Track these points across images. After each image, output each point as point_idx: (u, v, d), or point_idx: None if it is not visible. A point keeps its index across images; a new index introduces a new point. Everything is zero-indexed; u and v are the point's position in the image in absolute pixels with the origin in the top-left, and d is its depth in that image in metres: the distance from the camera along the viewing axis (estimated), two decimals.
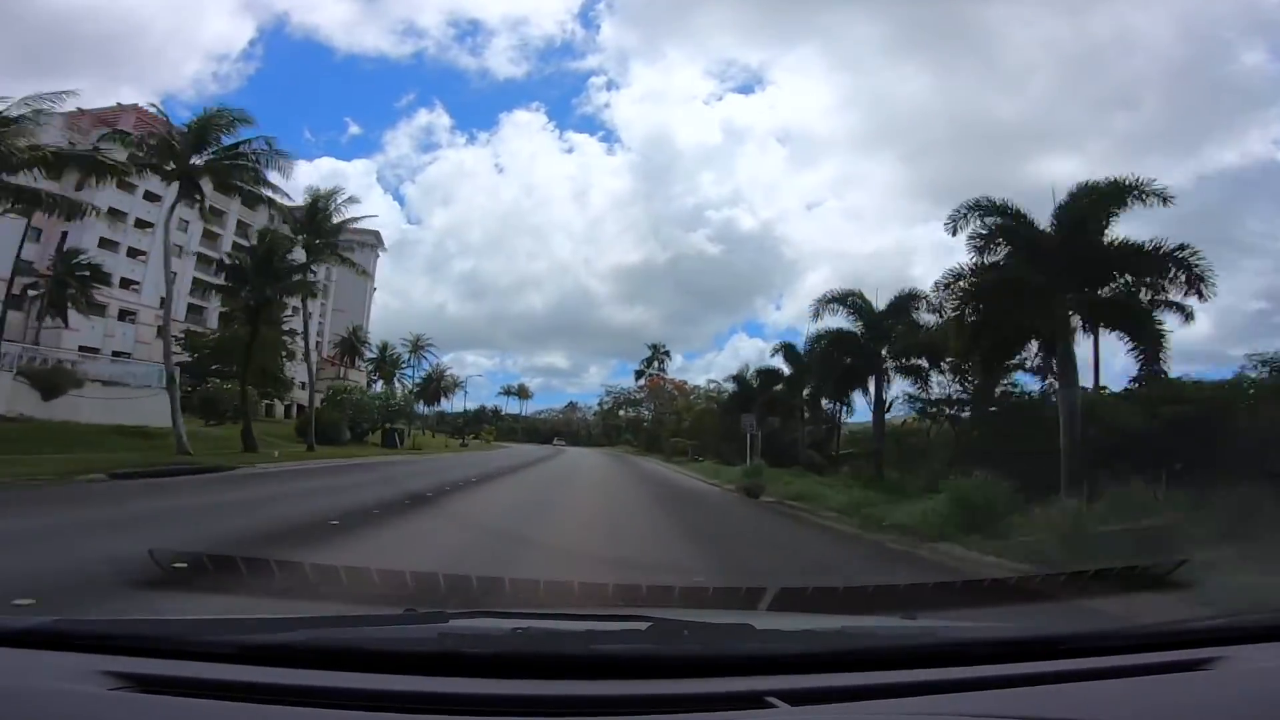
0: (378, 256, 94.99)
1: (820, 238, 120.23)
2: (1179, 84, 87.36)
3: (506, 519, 11.65)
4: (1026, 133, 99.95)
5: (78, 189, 25.76)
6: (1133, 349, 14.98)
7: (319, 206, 32.47)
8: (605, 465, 37.73)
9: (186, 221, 39.74)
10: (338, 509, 10.22)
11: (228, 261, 31.24)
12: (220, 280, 31.98)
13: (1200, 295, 13.90)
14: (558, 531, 10.22)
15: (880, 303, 23.84)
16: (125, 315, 55.12)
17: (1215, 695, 1.58)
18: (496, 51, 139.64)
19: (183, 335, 49.67)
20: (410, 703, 1.41)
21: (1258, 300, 67.03)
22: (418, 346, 70.46)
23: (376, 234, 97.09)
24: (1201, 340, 53.34)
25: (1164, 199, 13.71)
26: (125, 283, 51.57)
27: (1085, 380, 15.66)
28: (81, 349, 46.17)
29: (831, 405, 33.15)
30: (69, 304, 39.77)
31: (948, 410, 21.85)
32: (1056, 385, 14.66)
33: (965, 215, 14.72)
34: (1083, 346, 15.53)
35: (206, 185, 26.17)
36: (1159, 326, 14.72)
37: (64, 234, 45.82)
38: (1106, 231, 14.08)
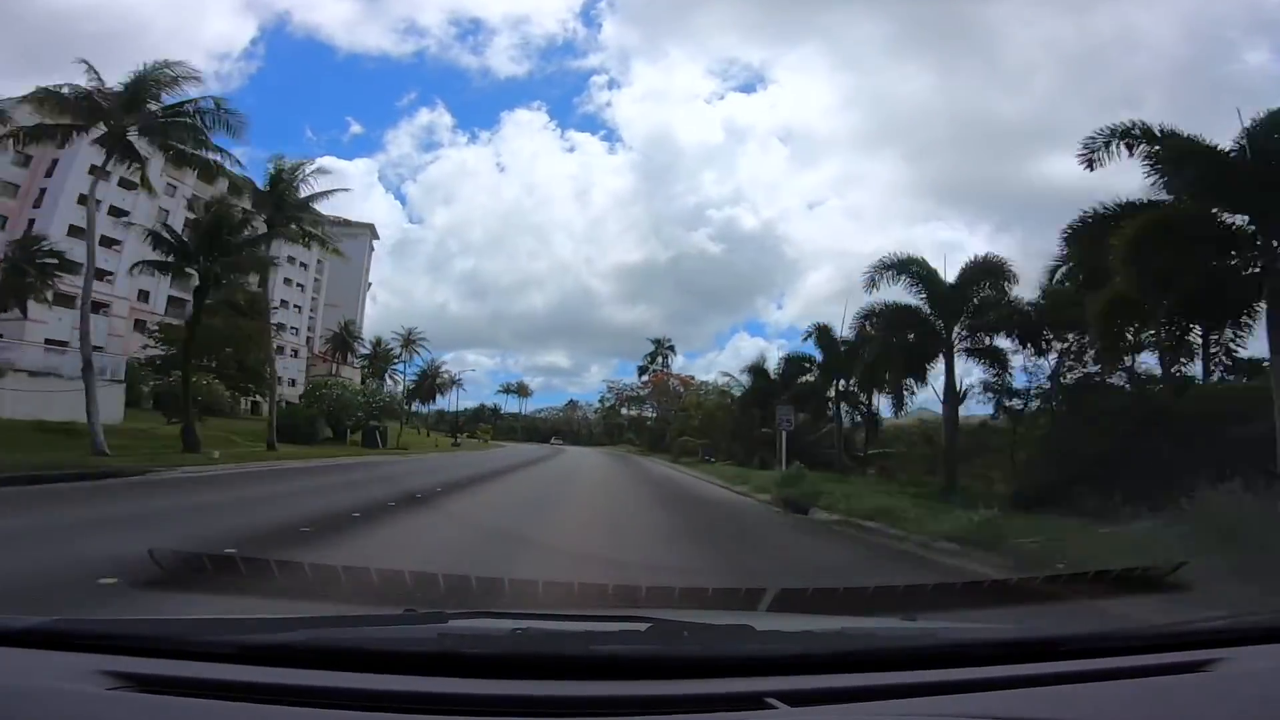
0: (372, 249, 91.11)
1: (822, 237, 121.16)
2: (1182, 83, 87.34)
3: (475, 548, 8.65)
4: (1030, 131, 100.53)
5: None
6: None
7: (282, 177, 28.11)
8: (607, 467, 33.70)
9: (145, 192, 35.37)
10: (189, 537, 7.51)
11: (166, 235, 26.75)
12: (163, 257, 27.38)
13: None
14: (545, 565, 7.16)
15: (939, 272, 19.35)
16: (98, 307, 52.12)
17: (1215, 697, 1.57)
18: (498, 50, 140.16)
19: (157, 328, 47.40)
20: (410, 703, 1.40)
21: None
22: (409, 341, 66.07)
23: (370, 226, 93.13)
24: None
25: None
26: (98, 273, 48.31)
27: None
28: (48, 342, 43.78)
29: (871, 398, 28.55)
30: (29, 294, 37.01)
31: (1037, 400, 17.39)
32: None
33: (1109, 143, 11.88)
34: None
35: (159, 162, 24.50)
36: None
37: (30, 221, 42.01)
38: None
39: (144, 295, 65.22)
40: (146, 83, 22.02)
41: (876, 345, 21.27)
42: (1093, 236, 12.49)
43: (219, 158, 24.17)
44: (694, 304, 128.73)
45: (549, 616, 2.71)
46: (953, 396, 19.15)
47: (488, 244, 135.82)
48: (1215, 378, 16.10)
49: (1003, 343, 19.12)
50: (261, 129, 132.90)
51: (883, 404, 29.84)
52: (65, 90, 21.86)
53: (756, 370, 39.50)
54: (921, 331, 19.47)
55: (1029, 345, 17.47)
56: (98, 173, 23.86)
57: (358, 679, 1.48)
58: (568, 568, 6.89)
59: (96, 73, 21.94)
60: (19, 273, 37.58)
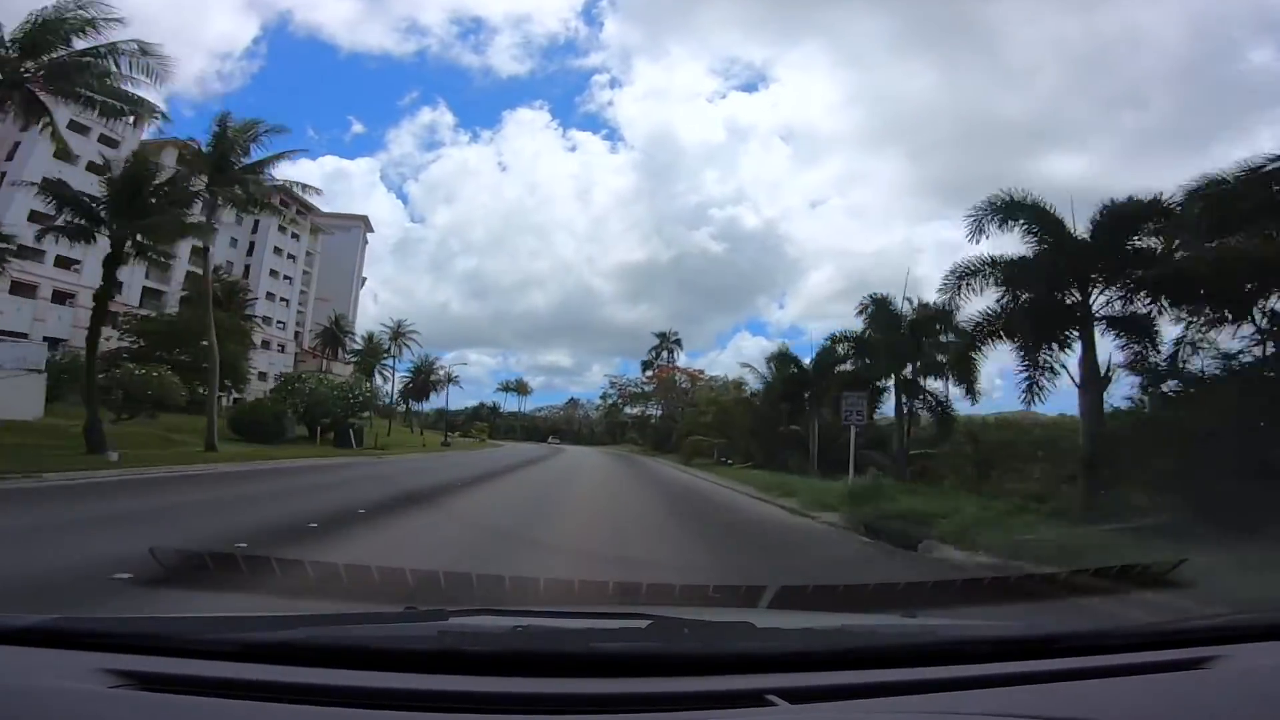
0: (365, 241, 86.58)
1: (824, 236, 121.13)
2: (1187, 82, 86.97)
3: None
4: (1034, 130, 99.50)
5: None
6: None
7: (228, 135, 23.25)
8: (610, 469, 29.17)
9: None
10: None
11: (67, 192, 21.82)
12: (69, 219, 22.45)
13: None
14: None
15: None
16: (64, 298, 50.05)
17: (1214, 694, 1.57)
18: (499, 49, 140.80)
19: (127, 319, 44.28)
20: (410, 700, 1.40)
21: None
22: (399, 334, 60.99)
23: (364, 218, 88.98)
24: None
25: None
26: (64, 261, 46.14)
27: None
28: (3, 334, 40.76)
29: (944, 385, 23.47)
30: None
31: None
32: None
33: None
34: None
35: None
36: None
37: None
38: None
39: (116, 286, 60.08)
40: (52, 25, 19.12)
41: (1012, 312, 15.47)
42: None
43: (135, 108, 21.12)
44: (696, 303, 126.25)
45: (549, 614, 2.64)
46: (1095, 378, 14.04)
47: (490, 243, 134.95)
48: None
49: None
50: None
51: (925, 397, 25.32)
52: None
53: (784, 358, 34.25)
54: (1048, 294, 14.23)
55: (1205, 312, 12.22)
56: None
57: (358, 677, 1.47)
58: None
59: None
60: None
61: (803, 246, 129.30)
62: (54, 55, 19.50)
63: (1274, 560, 6.25)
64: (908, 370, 24.67)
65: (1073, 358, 14.95)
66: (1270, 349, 11.64)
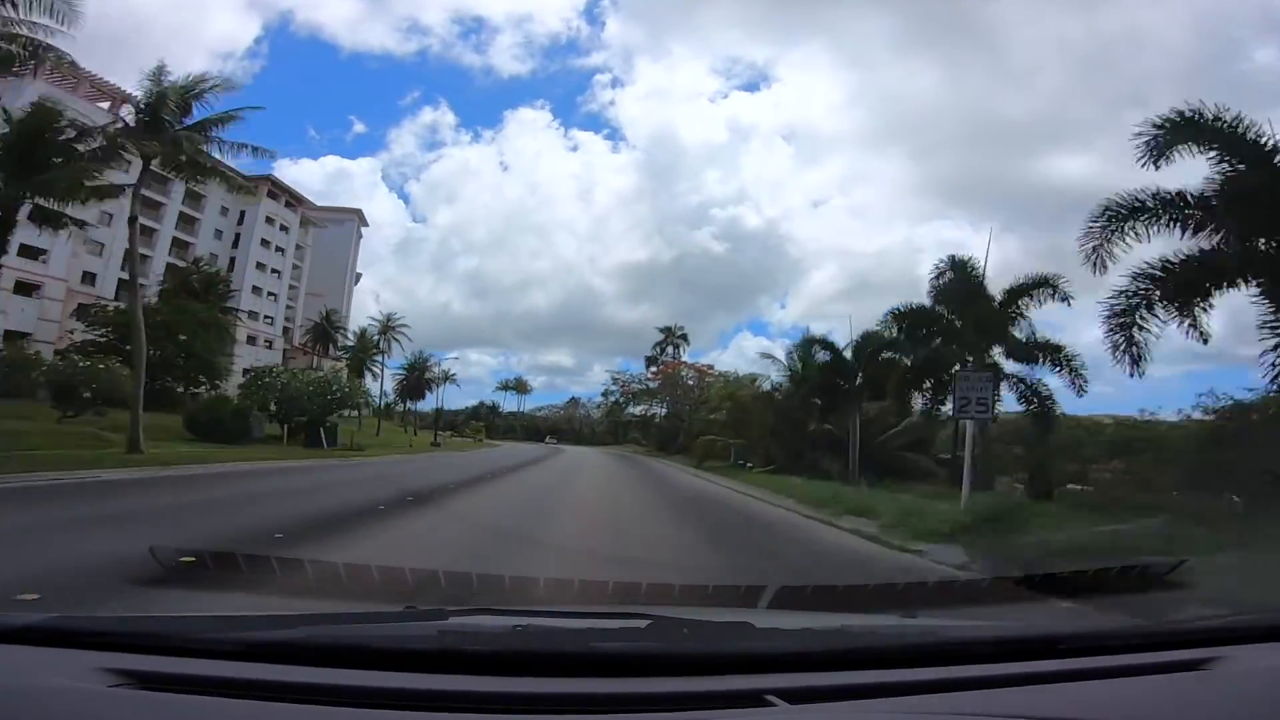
0: (359, 235, 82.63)
1: (826, 236, 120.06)
2: (1191, 81, 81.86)
3: None
4: (1037, 129, 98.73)
5: None
6: None
7: (164, 93, 19.16)
8: (613, 473, 25.00)
9: None
10: None
11: None
12: None
13: None
14: None
15: None
16: (28, 289, 46.63)
17: (1214, 695, 1.56)
18: (501, 49, 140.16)
19: (97, 312, 41.02)
20: (410, 700, 1.38)
21: None
22: (388, 327, 56.92)
23: (358, 212, 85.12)
24: None
25: None
26: (31, 251, 43.00)
27: None
28: None
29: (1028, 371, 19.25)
30: None
31: None
32: None
33: None
34: None
35: None
36: None
37: None
38: None
39: (89, 278, 56.11)
40: None
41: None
42: None
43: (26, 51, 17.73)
44: (697, 303, 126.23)
45: (549, 614, 2.63)
46: None
47: (491, 243, 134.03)
48: None
49: None
50: (264, 128, 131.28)
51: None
52: None
53: (819, 344, 28.93)
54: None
55: None
56: None
57: (358, 676, 1.45)
58: None
59: None
60: None
61: (804, 246, 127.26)
62: None
63: None
64: (993, 353, 19.72)
65: None
66: None
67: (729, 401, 38.70)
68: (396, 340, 63.39)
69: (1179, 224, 12.60)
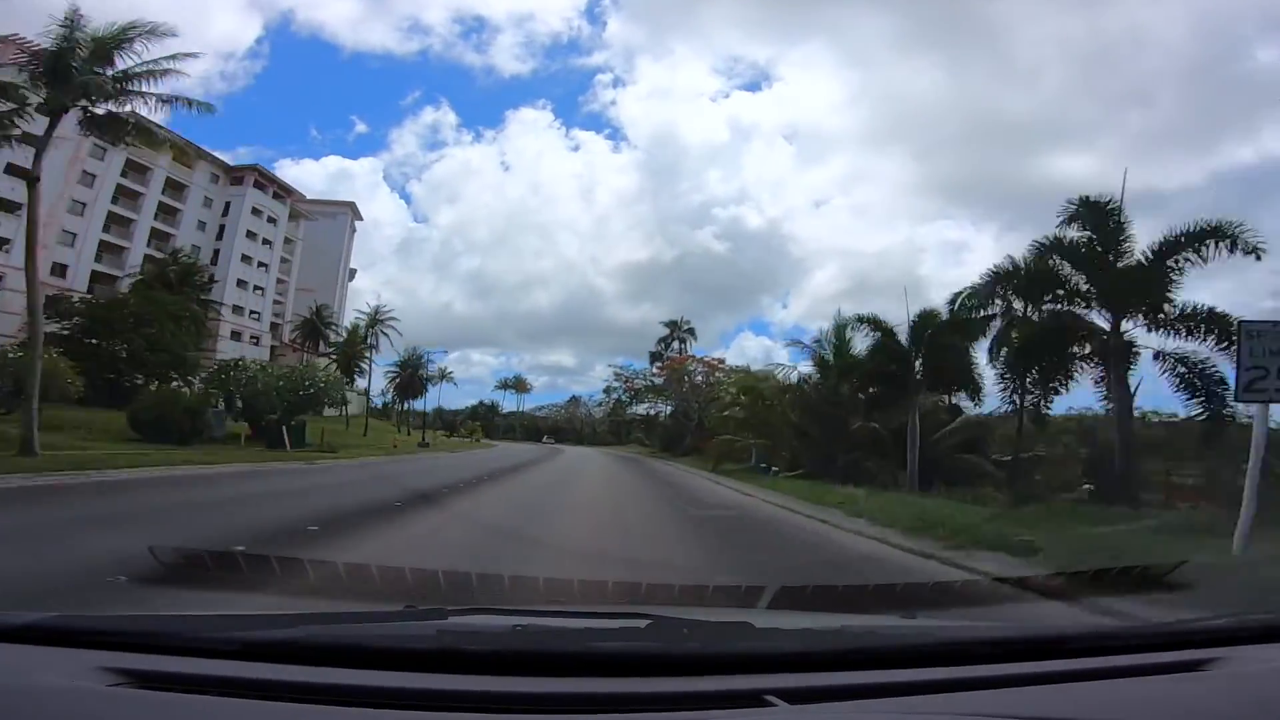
0: (353, 230, 78.85)
1: (827, 235, 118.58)
2: (1194, 81, 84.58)
3: None
4: (1039, 129, 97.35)
5: None
6: None
7: (76, 39, 15.38)
8: (618, 480, 20.36)
9: None
10: None
11: None
12: None
13: None
14: None
15: None
16: None
17: (1215, 696, 1.54)
18: (502, 49, 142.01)
19: (63, 303, 37.95)
20: (410, 699, 1.37)
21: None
22: (376, 320, 53.04)
23: (351, 205, 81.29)
24: None
25: None
26: None
27: None
28: None
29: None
30: None
31: None
32: None
33: None
34: None
35: None
36: None
37: None
38: None
39: (60, 270, 52.18)
40: None
41: None
42: None
43: None
44: (699, 303, 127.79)
45: (549, 613, 2.59)
46: None
47: (492, 243, 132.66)
48: None
49: None
50: (265, 128, 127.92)
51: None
52: None
53: (870, 325, 23.23)
54: None
55: None
56: None
57: (358, 675, 1.45)
58: None
59: None
60: None
61: (806, 246, 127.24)
62: None
63: None
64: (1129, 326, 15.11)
65: None
66: None
67: (749, 395, 32.76)
68: (385, 335, 60.40)
69: None
